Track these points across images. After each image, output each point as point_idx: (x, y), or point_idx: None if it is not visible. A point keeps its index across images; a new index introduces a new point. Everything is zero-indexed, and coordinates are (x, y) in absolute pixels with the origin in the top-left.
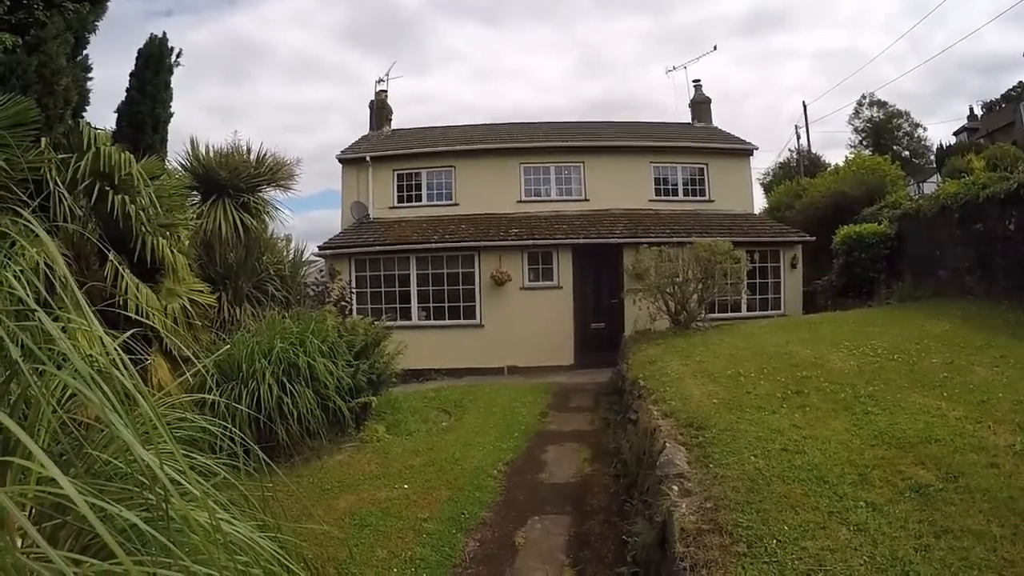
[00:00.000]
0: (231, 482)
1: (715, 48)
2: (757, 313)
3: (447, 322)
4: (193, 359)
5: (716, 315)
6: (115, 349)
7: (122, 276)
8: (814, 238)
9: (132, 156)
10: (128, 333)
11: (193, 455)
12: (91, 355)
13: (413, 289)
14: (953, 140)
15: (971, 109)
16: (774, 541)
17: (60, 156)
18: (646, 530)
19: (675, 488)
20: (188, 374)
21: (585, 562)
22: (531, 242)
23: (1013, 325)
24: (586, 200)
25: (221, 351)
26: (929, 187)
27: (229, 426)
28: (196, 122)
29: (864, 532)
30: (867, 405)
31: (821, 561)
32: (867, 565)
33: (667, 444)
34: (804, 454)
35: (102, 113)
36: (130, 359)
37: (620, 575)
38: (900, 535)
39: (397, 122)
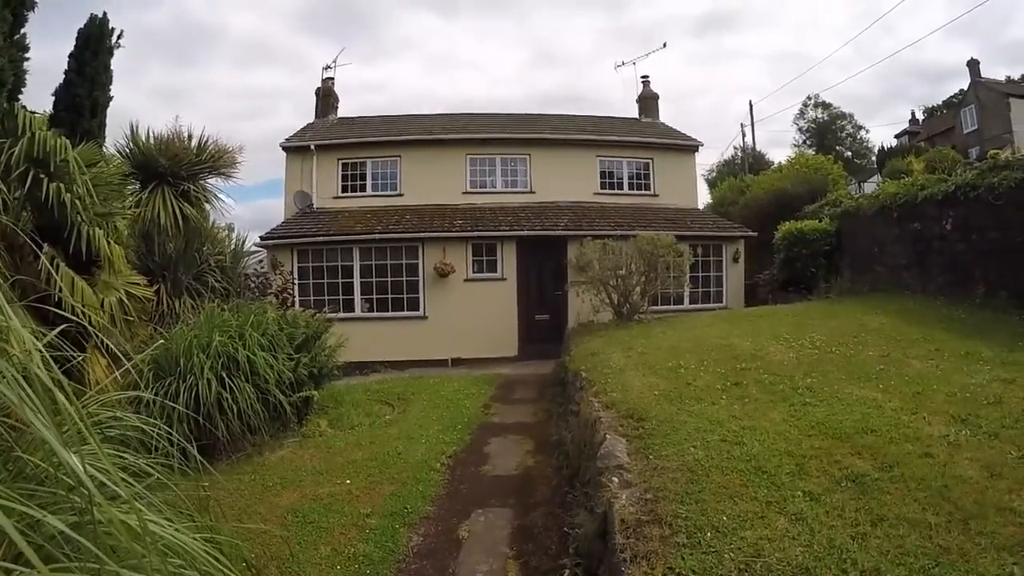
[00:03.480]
0: (165, 483)
1: (664, 45)
2: (700, 306)
3: (391, 314)
4: (130, 355)
5: (659, 307)
6: (36, 346)
7: (57, 268)
8: (756, 233)
9: (68, 142)
10: (58, 329)
11: (124, 455)
12: (16, 354)
13: (356, 280)
14: (895, 142)
15: (913, 114)
16: (713, 531)
17: None
18: (587, 522)
19: (615, 480)
20: (120, 371)
21: (529, 554)
22: (475, 234)
23: (947, 320)
24: (532, 192)
25: (156, 346)
26: (870, 187)
27: (162, 425)
28: (141, 106)
29: (802, 521)
30: (805, 396)
31: (759, 550)
32: (804, 553)
33: (607, 436)
34: (743, 445)
35: (40, 95)
36: (63, 356)
37: (563, 567)
38: (837, 524)
39: (352, 109)
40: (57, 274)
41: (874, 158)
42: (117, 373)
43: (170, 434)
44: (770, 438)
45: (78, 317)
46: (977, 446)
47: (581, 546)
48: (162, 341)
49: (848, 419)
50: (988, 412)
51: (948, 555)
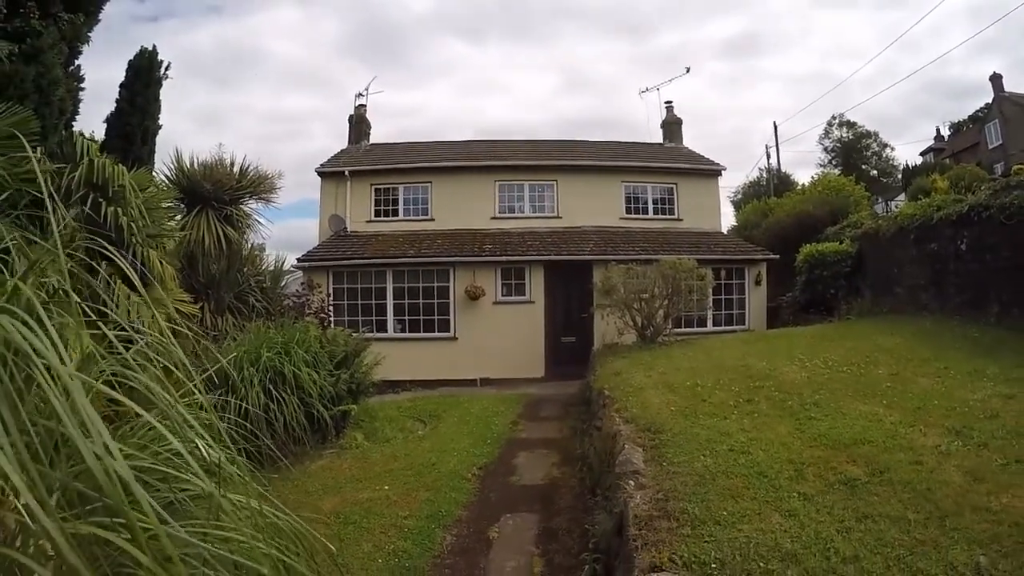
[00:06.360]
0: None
1: (688, 71)
2: (723, 328)
3: (422, 335)
4: (184, 366)
5: (683, 330)
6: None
7: (115, 285)
8: (778, 256)
9: (125, 168)
10: (128, 340)
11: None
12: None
13: (389, 302)
14: (920, 160)
15: (938, 130)
16: (714, 525)
17: (54, 166)
18: (606, 521)
19: (631, 483)
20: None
21: (553, 553)
22: (504, 258)
23: (960, 339)
24: (559, 217)
25: (219, 364)
26: (898, 205)
27: (233, 417)
28: (177, 128)
29: (794, 517)
30: (811, 411)
31: (754, 540)
32: (793, 543)
33: (626, 446)
34: (749, 454)
35: (85, 115)
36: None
37: (583, 562)
38: (826, 519)
39: (385, 133)
40: (116, 290)
41: (900, 176)
42: (189, 375)
43: (242, 426)
44: (774, 448)
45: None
46: (965, 455)
47: (600, 543)
48: (224, 355)
49: (848, 431)
50: (983, 425)
51: (923, 546)
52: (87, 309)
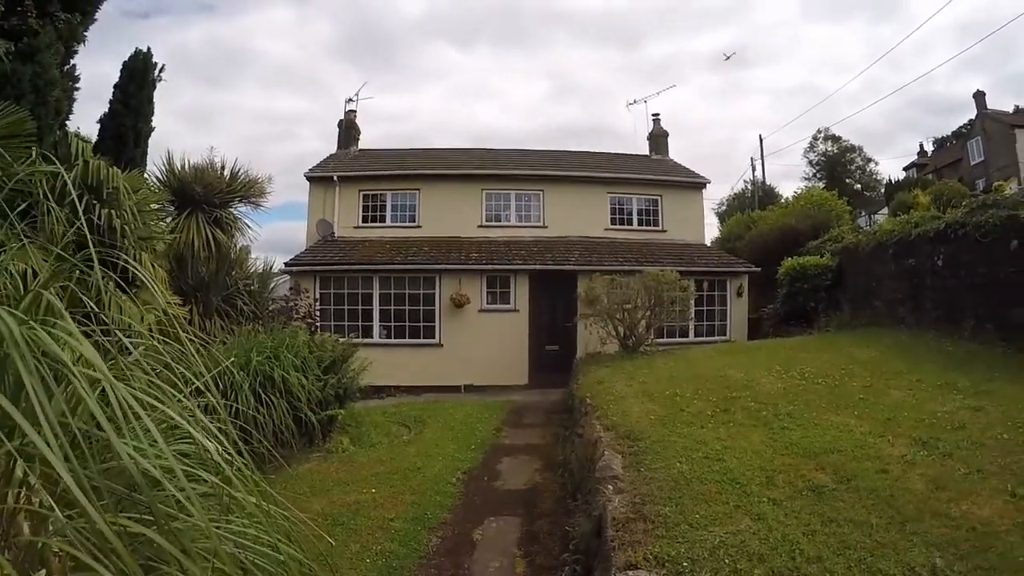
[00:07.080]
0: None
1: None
2: (704, 339)
3: (407, 341)
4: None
5: (665, 340)
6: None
7: (106, 288)
8: (760, 268)
9: (119, 171)
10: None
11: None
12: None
13: (375, 308)
14: (903, 175)
15: (921, 146)
16: (688, 527)
17: (50, 168)
18: (585, 523)
19: (610, 487)
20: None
21: (535, 554)
22: (490, 266)
23: (935, 352)
24: (544, 227)
25: (216, 370)
26: (882, 219)
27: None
28: (168, 128)
29: (763, 520)
30: (784, 422)
31: (724, 541)
32: (761, 544)
33: (606, 452)
34: (723, 461)
35: (75, 111)
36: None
37: (564, 561)
38: (793, 523)
39: (374, 137)
40: (107, 293)
41: (883, 190)
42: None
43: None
44: (747, 456)
45: (123, 332)
46: (930, 464)
47: (580, 544)
48: (214, 359)
49: (819, 441)
50: (949, 436)
51: (883, 548)
52: (99, 316)
